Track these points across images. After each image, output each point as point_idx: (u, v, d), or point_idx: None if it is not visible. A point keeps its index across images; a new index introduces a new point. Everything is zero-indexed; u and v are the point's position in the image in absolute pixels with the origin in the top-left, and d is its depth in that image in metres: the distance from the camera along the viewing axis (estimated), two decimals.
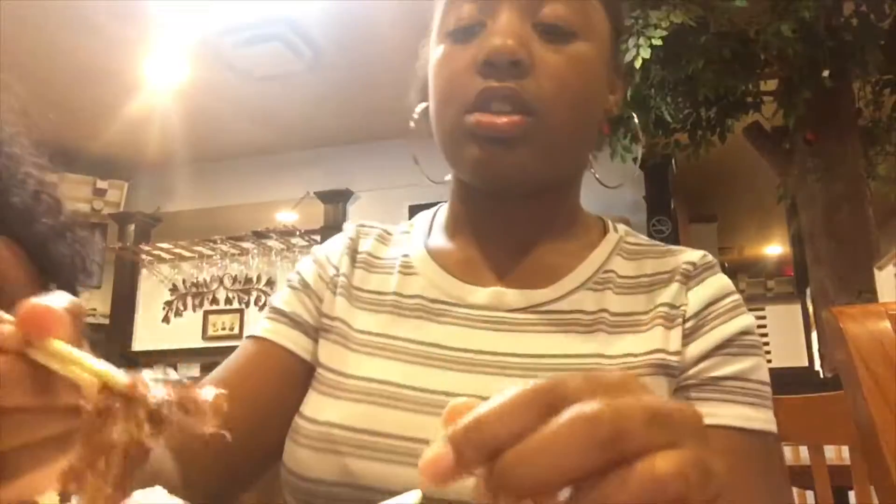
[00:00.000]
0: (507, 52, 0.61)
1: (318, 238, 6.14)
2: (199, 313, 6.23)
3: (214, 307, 6.23)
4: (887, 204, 4.97)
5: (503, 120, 0.61)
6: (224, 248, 6.21)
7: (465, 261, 0.71)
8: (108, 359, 0.58)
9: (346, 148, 6.15)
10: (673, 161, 5.31)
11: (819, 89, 3.86)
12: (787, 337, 5.11)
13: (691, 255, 0.70)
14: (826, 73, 3.77)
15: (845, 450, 1.25)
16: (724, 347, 0.63)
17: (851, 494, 1.29)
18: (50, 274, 0.60)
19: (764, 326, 5.17)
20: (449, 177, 0.74)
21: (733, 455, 0.59)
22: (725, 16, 3.60)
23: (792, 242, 6.50)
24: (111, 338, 6.08)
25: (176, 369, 5.80)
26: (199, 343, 6.03)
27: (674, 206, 5.55)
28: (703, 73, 3.80)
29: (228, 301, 6.21)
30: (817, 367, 4.88)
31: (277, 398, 0.67)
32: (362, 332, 0.68)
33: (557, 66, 0.63)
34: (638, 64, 3.50)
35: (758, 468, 0.60)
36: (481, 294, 0.67)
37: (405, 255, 0.73)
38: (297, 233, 6.04)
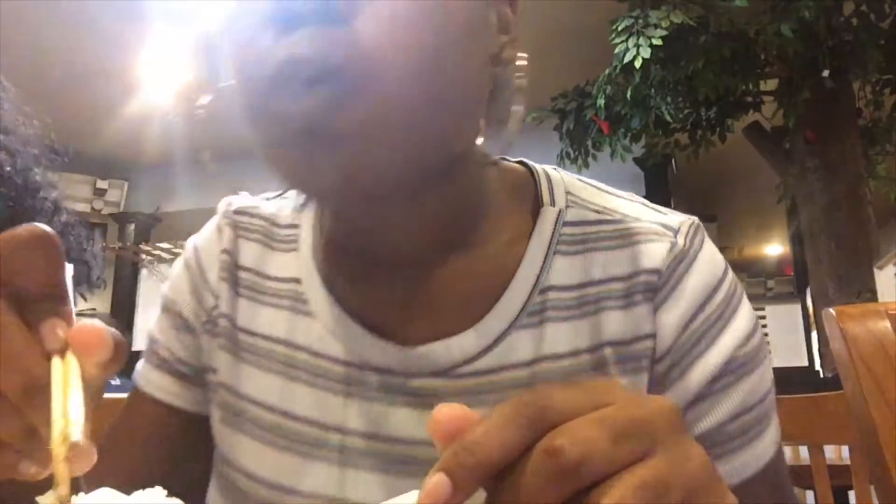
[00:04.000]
0: None
1: None
2: None
3: None
4: (887, 204, 4.97)
5: (318, 95, 0.39)
6: None
7: (361, 294, 0.53)
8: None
9: None
10: (673, 161, 5.31)
11: (819, 89, 3.86)
12: (787, 337, 5.12)
13: (656, 251, 0.50)
14: (826, 73, 3.77)
15: (845, 450, 1.25)
16: (713, 384, 0.48)
17: (851, 494, 1.29)
18: None
19: (764, 326, 5.17)
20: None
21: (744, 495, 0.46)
22: (725, 16, 3.60)
23: (792, 242, 6.51)
24: None
25: None
26: None
27: (674, 206, 5.53)
28: (703, 73, 3.80)
29: None
30: (817, 366, 4.88)
31: (176, 465, 0.57)
32: (252, 401, 0.54)
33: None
34: (638, 64, 3.51)
35: (767, 493, 0.51)
36: (390, 355, 0.51)
37: (296, 281, 0.55)
38: None
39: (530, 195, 0.54)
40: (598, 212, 0.53)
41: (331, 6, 0.39)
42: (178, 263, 0.61)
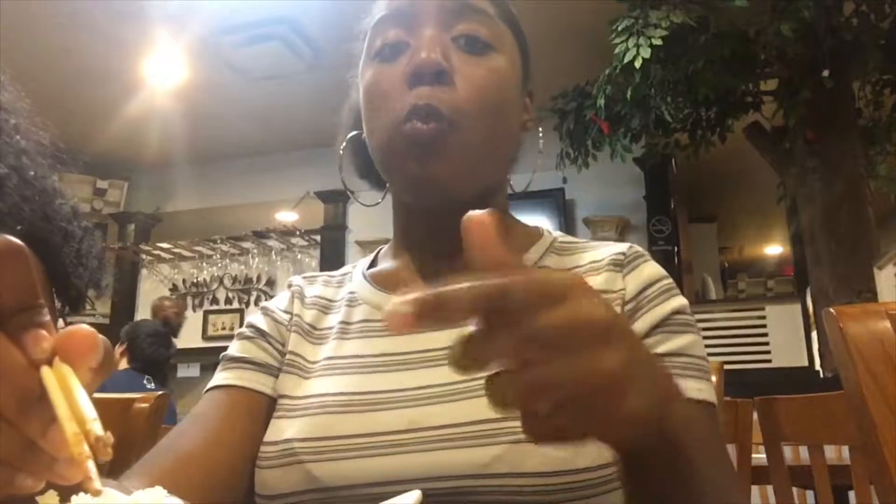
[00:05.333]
0: (433, 63, 0.67)
1: (317, 238, 6.14)
2: (199, 313, 6.23)
3: (214, 307, 6.23)
4: (887, 204, 4.98)
5: (430, 126, 0.66)
6: (224, 248, 6.21)
7: (403, 276, 0.77)
8: None
9: None
10: (673, 161, 5.31)
11: (819, 89, 3.86)
12: (787, 337, 5.10)
13: (620, 246, 0.75)
14: (826, 73, 3.77)
15: (845, 450, 1.25)
16: (660, 326, 0.68)
17: (851, 494, 1.29)
18: (61, 284, 0.60)
19: (764, 326, 5.16)
20: (381, 200, 0.83)
21: None
22: (725, 16, 3.60)
23: (792, 242, 6.50)
24: (111, 338, 6.06)
25: (176, 369, 5.80)
26: (199, 343, 6.03)
27: (674, 206, 5.54)
28: (703, 73, 3.80)
29: (228, 301, 6.20)
30: (817, 367, 4.88)
31: (254, 438, 0.69)
32: (314, 361, 0.74)
33: (476, 75, 0.69)
34: (638, 64, 3.51)
35: (699, 434, 0.59)
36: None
37: (351, 292, 0.79)
38: (297, 233, 6.04)
39: (536, 231, 0.81)
40: (580, 241, 0.80)
41: (442, 76, 0.67)
42: (258, 313, 0.81)
